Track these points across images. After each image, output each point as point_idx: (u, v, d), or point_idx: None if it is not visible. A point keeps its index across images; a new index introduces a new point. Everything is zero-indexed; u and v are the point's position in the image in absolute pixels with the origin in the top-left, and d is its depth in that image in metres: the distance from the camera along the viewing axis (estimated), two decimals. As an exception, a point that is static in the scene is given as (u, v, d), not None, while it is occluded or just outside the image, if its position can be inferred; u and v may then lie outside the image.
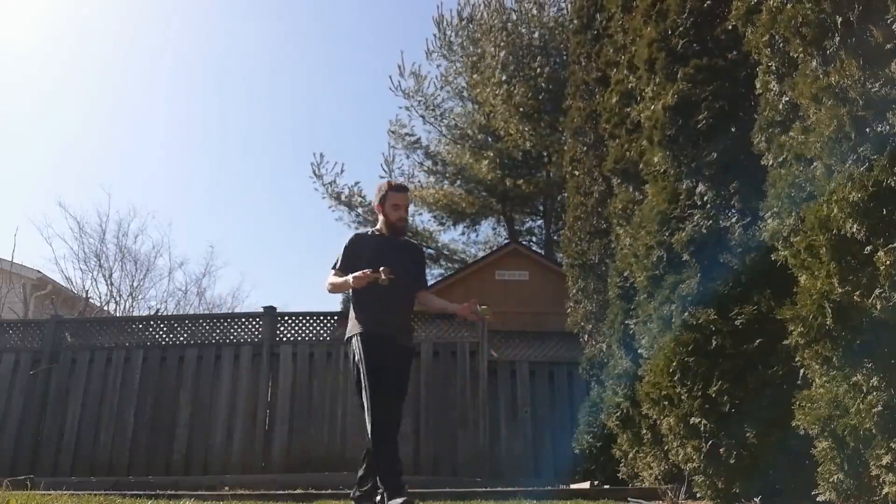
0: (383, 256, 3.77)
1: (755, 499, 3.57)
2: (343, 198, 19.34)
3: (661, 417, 4.28)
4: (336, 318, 8.78)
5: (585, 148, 7.08)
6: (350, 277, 3.66)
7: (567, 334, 7.78)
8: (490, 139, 18.03)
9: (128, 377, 8.38)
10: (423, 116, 19.40)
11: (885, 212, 2.44)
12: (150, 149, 35.85)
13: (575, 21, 7.76)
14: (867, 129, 2.58)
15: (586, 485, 5.81)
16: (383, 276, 3.58)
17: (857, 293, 2.56)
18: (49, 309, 14.05)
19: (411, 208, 19.46)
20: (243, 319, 8.86)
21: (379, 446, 3.54)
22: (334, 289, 3.95)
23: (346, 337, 3.90)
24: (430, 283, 4.06)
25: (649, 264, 4.54)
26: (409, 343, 4.00)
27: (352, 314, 3.89)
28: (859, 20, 2.65)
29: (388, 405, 3.59)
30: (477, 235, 20.65)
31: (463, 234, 20.42)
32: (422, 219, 20.07)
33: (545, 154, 16.43)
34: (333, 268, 3.92)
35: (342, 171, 19.50)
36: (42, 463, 8.03)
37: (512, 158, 17.40)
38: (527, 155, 17.04)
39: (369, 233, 4.12)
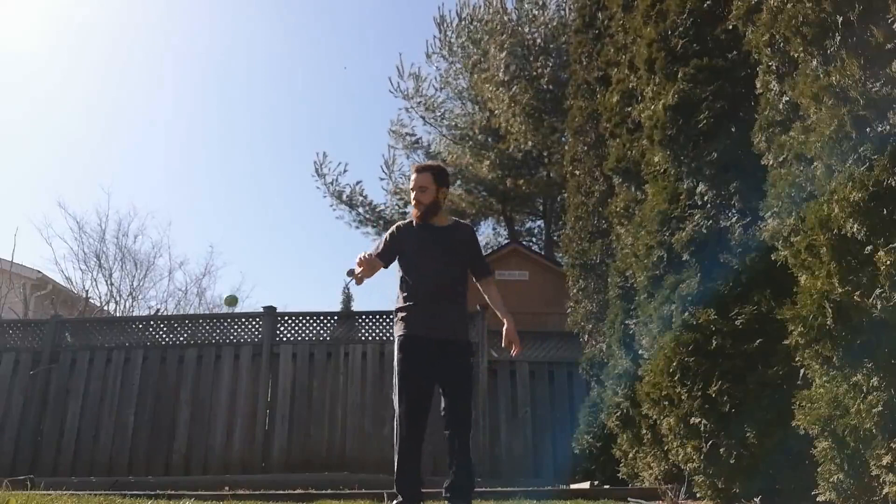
0: (421, 245, 3.61)
1: (755, 499, 3.56)
2: (344, 197, 19.38)
3: (661, 417, 4.27)
4: (336, 318, 8.78)
5: (586, 147, 7.08)
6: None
7: (567, 334, 7.79)
8: (490, 139, 18.02)
9: (128, 377, 8.38)
10: (423, 117, 19.42)
11: (885, 212, 2.44)
12: (150, 149, 35.85)
13: (577, 20, 7.77)
14: (868, 129, 2.58)
15: (586, 485, 5.80)
16: (353, 275, 3.49)
17: (858, 293, 2.55)
18: (49, 309, 14.03)
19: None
20: (243, 319, 8.85)
21: (398, 455, 3.53)
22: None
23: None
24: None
25: (650, 264, 4.54)
26: (462, 336, 3.69)
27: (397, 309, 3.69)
28: (860, 20, 2.65)
29: (412, 415, 3.48)
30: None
31: (463, 234, 20.39)
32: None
33: (545, 154, 16.42)
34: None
35: (345, 170, 19.52)
36: (42, 463, 8.03)
37: (512, 158, 17.37)
38: (527, 155, 17.02)
39: (411, 223, 3.77)
